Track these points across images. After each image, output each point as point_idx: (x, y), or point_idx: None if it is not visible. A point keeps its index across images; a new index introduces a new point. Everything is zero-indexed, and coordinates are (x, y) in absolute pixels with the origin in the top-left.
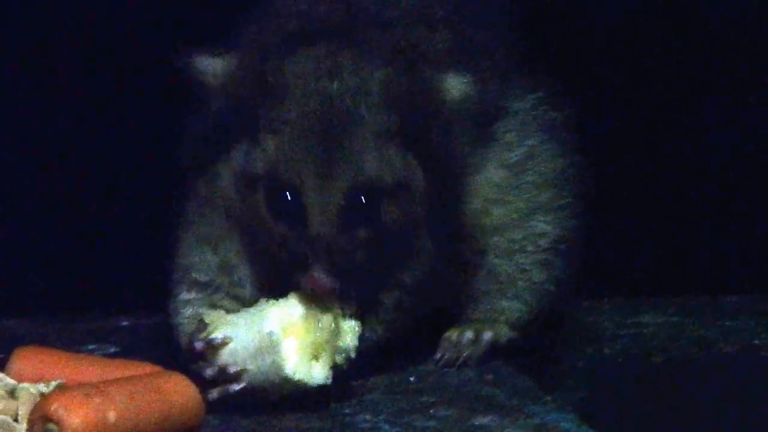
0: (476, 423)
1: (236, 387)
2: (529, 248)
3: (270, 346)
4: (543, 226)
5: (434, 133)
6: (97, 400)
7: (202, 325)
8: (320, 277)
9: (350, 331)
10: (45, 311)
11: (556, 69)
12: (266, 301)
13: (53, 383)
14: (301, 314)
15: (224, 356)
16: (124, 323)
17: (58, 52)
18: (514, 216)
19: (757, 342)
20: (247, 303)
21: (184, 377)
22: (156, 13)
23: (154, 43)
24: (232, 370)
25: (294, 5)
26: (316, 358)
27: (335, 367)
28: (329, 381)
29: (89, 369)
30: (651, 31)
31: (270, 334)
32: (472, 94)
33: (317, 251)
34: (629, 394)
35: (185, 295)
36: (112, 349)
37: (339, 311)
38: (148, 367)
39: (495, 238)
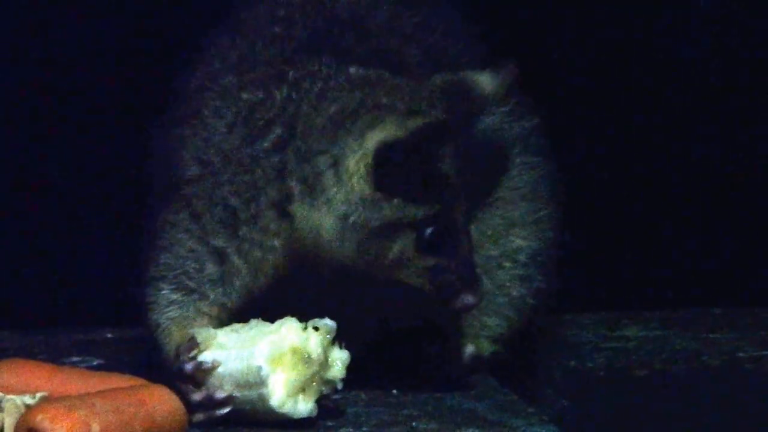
0: None
1: (222, 412)
2: (507, 264)
3: (258, 379)
4: (519, 241)
5: None
6: (81, 412)
7: (192, 342)
8: (477, 295)
9: (339, 362)
10: (29, 323)
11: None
12: (257, 322)
13: (38, 395)
14: (291, 346)
15: (211, 379)
16: (108, 335)
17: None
18: (489, 233)
19: (740, 355)
20: (232, 313)
21: (167, 390)
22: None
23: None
24: (219, 396)
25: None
26: (302, 390)
27: (321, 399)
28: (314, 413)
29: (73, 381)
30: (623, 38)
31: (259, 368)
32: (499, 85)
33: (470, 275)
34: (612, 408)
35: (171, 295)
36: (96, 362)
37: (328, 341)
38: (132, 380)
39: None
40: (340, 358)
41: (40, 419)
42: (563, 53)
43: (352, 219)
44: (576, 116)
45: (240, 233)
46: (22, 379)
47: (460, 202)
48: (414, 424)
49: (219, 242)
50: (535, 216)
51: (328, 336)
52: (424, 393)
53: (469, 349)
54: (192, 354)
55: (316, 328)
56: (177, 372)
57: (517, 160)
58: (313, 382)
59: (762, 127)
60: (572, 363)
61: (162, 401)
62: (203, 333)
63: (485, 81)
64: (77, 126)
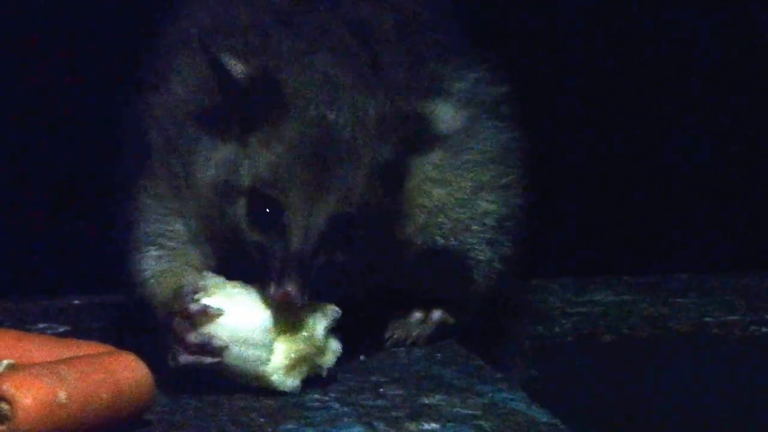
0: (425, 402)
1: (210, 360)
2: (474, 227)
3: (261, 340)
4: (487, 205)
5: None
6: (48, 379)
7: (196, 286)
8: (291, 292)
9: (331, 351)
10: None
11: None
12: None
13: (4, 363)
14: (299, 321)
15: (212, 326)
16: (75, 302)
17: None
18: (457, 196)
19: (708, 320)
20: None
21: (134, 357)
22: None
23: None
24: (216, 344)
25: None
26: (294, 367)
27: (306, 380)
28: (297, 391)
29: (40, 348)
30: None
31: (266, 330)
32: (461, 124)
33: (293, 268)
34: (579, 373)
35: (155, 252)
36: (63, 329)
37: (330, 328)
38: (99, 347)
39: (439, 219)
40: (333, 348)
41: (7, 387)
42: (538, 24)
43: (200, 175)
44: (545, 81)
45: (181, 192)
46: None
47: (315, 203)
48: (381, 390)
49: (172, 204)
50: (503, 180)
51: (332, 322)
52: (391, 359)
53: (436, 314)
54: (197, 296)
55: (324, 311)
56: (178, 311)
57: (487, 124)
58: (305, 362)
59: (732, 89)
60: (540, 328)
61: (129, 368)
62: (212, 279)
63: (445, 116)
64: (51, 94)
